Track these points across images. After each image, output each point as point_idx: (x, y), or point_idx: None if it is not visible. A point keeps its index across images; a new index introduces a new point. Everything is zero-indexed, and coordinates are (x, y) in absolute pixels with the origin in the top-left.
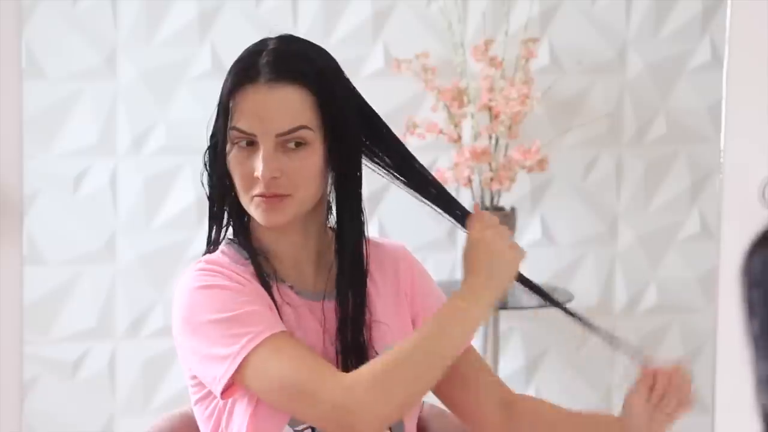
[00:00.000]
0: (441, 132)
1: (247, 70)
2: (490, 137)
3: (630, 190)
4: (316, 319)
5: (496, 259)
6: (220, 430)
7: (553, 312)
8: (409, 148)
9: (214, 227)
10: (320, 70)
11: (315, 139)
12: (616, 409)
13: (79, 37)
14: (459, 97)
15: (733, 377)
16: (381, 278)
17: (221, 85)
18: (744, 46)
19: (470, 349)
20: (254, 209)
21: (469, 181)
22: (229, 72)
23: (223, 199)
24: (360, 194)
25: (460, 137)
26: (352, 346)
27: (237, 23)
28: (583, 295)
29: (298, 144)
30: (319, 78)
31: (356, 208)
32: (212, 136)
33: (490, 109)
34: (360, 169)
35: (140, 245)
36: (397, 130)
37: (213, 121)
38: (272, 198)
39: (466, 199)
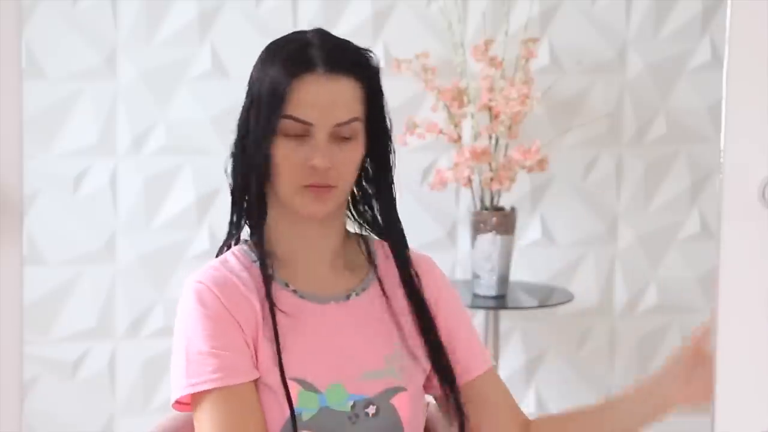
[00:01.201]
0: (441, 132)
1: (301, 60)
2: (490, 137)
3: (630, 190)
4: (320, 323)
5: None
6: None
7: (553, 312)
8: (409, 148)
9: (240, 219)
10: (370, 64)
11: (361, 132)
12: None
13: (79, 37)
14: (459, 97)
15: (733, 377)
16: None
17: (259, 75)
18: (744, 46)
19: (491, 371)
20: (300, 199)
21: (469, 181)
22: (275, 62)
23: (246, 191)
24: (393, 188)
25: (460, 137)
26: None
27: (237, 23)
28: (583, 295)
29: (347, 135)
30: (369, 72)
31: (393, 205)
32: (242, 127)
33: (490, 109)
34: (392, 165)
35: (140, 245)
36: (397, 130)
37: (244, 111)
38: (323, 188)
39: (466, 198)
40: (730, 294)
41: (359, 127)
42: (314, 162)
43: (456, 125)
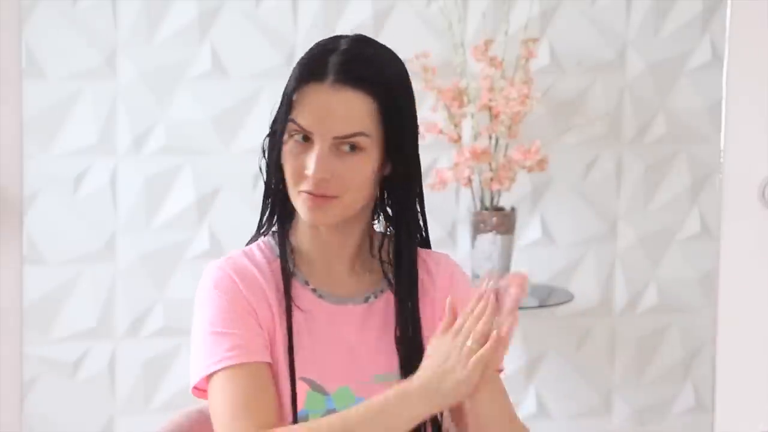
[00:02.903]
0: (441, 132)
1: (315, 67)
2: (490, 137)
3: (630, 190)
4: (335, 323)
5: (443, 377)
6: None
7: (553, 312)
8: None
9: (267, 213)
10: (388, 78)
11: (371, 146)
12: (616, 408)
13: (79, 37)
14: (459, 97)
15: (733, 377)
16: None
17: (287, 78)
18: (744, 46)
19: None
20: (300, 204)
21: (469, 181)
22: (298, 64)
23: (272, 187)
24: (416, 202)
25: (460, 137)
26: (409, 348)
27: (237, 23)
28: (583, 295)
29: (353, 148)
30: (385, 86)
31: (412, 216)
32: (273, 124)
33: (490, 109)
34: (420, 175)
35: (140, 245)
36: None
37: (276, 109)
38: (319, 197)
39: (466, 199)
40: (730, 294)
41: (366, 142)
42: (307, 171)
43: (456, 125)
